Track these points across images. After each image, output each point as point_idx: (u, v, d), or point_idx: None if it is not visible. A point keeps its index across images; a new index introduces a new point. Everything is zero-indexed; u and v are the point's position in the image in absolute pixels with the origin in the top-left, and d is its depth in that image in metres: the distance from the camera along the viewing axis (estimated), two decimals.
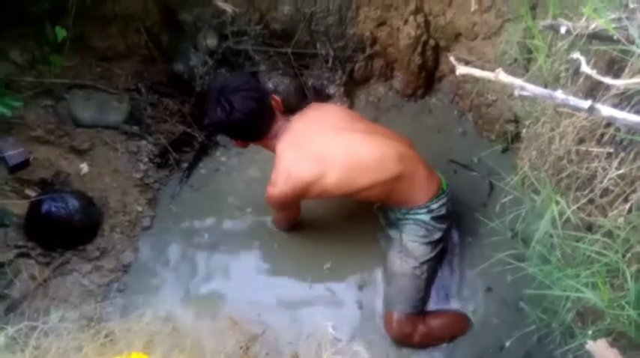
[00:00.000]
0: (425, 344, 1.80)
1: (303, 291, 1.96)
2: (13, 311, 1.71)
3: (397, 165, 1.71)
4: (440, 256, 1.88)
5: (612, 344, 1.05)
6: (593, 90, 1.25)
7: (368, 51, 2.44)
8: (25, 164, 1.96)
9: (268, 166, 2.16)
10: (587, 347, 0.98)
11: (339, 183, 1.69)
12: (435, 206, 1.78)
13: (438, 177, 1.84)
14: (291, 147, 1.72)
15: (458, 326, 1.85)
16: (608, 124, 1.19)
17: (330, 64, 2.42)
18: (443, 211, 1.80)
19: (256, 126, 1.74)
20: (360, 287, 1.95)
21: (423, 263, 1.79)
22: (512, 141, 2.03)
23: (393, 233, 1.86)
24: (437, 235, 1.81)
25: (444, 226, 1.82)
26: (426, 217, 1.78)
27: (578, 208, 1.22)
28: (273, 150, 1.79)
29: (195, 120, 2.37)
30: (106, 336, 1.28)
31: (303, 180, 1.69)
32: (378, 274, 1.96)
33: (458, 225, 1.99)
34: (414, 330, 1.78)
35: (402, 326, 1.78)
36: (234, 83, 1.71)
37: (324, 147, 1.70)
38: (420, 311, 1.81)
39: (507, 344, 1.60)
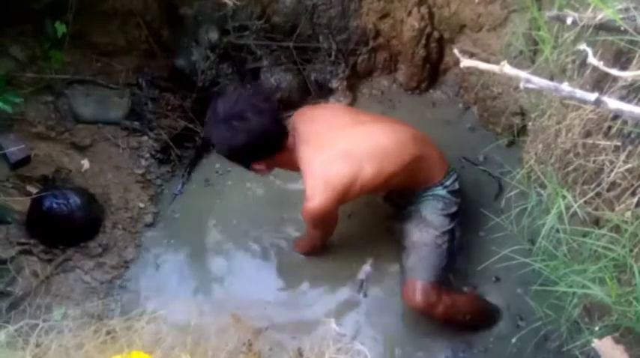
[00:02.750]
0: (448, 317, 1.74)
1: (307, 286, 1.95)
2: (15, 308, 1.71)
3: (415, 146, 1.72)
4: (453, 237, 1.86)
5: (619, 340, 1.04)
6: (601, 82, 1.23)
7: (371, 43, 2.41)
8: (26, 161, 1.96)
9: None
10: (593, 345, 0.97)
11: (374, 173, 1.63)
12: (448, 182, 1.81)
13: (444, 155, 1.87)
14: (315, 152, 1.62)
15: (481, 305, 1.83)
16: (616, 117, 1.16)
17: (332, 58, 2.40)
18: (456, 186, 1.83)
19: (281, 135, 1.62)
20: (364, 281, 1.93)
21: (443, 233, 1.78)
22: (518, 134, 2.01)
23: (411, 209, 1.83)
24: (453, 208, 1.82)
25: (458, 200, 1.84)
26: (442, 191, 1.80)
27: (585, 202, 1.20)
28: (293, 164, 1.68)
29: (197, 115, 2.36)
30: (108, 333, 1.27)
31: (342, 183, 1.59)
32: (382, 268, 1.95)
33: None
34: (438, 300, 1.71)
35: (427, 294, 1.70)
36: (246, 94, 1.60)
37: (346, 142, 1.65)
38: (442, 282, 1.77)
39: (514, 340, 1.58)
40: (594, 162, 1.20)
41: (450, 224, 1.80)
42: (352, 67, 2.44)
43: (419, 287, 1.71)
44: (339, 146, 1.63)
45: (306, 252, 1.99)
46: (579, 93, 0.91)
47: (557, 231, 1.22)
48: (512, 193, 1.40)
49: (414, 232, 1.79)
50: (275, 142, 1.63)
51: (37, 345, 1.24)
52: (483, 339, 1.81)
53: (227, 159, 1.71)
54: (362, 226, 2.03)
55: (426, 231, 1.77)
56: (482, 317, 1.83)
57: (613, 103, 0.91)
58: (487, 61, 1.11)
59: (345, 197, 1.63)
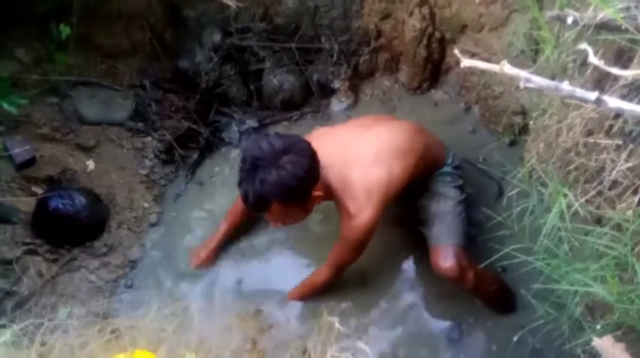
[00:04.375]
0: (478, 284, 1.71)
1: None
2: (20, 307, 1.72)
3: (420, 136, 1.77)
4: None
5: (621, 339, 1.04)
6: (602, 81, 1.23)
7: (373, 44, 2.42)
8: (31, 162, 1.97)
9: None
10: (593, 343, 0.97)
11: (402, 170, 1.64)
12: (450, 160, 1.86)
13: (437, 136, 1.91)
14: (346, 170, 1.60)
15: (504, 281, 1.83)
16: (617, 116, 1.17)
17: (334, 59, 2.41)
18: (457, 161, 1.88)
19: (318, 160, 1.57)
20: (366, 280, 1.93)
21: (458, 202, 1.81)
22: (519, 133, 2.01)
23: (426, 187, 1.84)
24: (460, 181, 1.86)
25: (461, 174, 1.88)
26: (447, 169, 1.85)
27: (587, 201, 1.20)
28: (327, 191, 1.61)
29: (200, 116, 2.37)
30: (112, 332, 1.28)
31: (382, 188, 1.60)
32: (385, 269, 1.95)
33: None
34: (469, 264, 1.69)
35: (459, 258, 1.68)
36: (268, 136, 1.53)
37: (367, 150, 1.64)
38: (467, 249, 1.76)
39: (515, 338, 1.59)
40: (596, 160, 1.20)
41: (461, 195, 1.83)
42: (354, 68, 2.45)
43: (450, 252, 1.69)
44: (364, 156, 1.63)
45: (328, 285, 1.83)
46: (579, 92, 0.91)
47: (559, 229, 1.22)
48: (513, 192, 1.41)
49: (431, 205, 1.80)
50: (318, 161, 1.57)
51: (42, 344, 1.25)
52: (484, 339, 1.81)
53: (285, 201, 1.50)
54: None
55: (443, 201, 1.79)
56: (507, 294, 1.83)
57: (613, 102, 0.91)
58: (488, 60, 1.11)
59: (386, 202, 1.63)
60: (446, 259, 1.69)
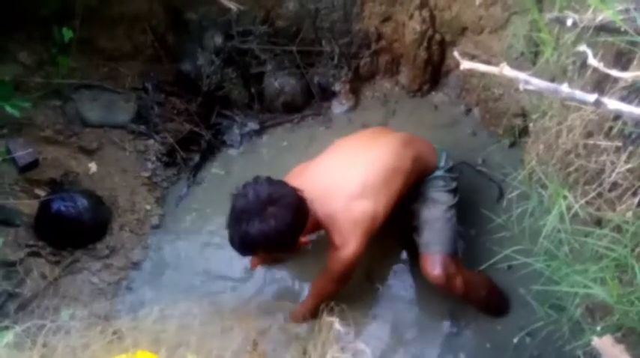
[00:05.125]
0: (466, 290, 1.73)
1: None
2: (23, 309, 1.73)
3: (408, 149, 1.76)
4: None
5: (621, 340, 1.04)
6: (601, 83, 1.23)
7: (373, 47, 2.43)
8: (34, 164, 1.98)
9: (276, 162, 2.17)
10: (593, 343, 0.97)
11: (389, 197, 1.66)
12: (442, 163, 1.85)
13: (427, 141, 1.90)
14: (333, 203, 1.61)
15: (495, 286, 1.84)
16: (617, 117, 1.17)
17: (335, 61, 2.42)
18: (450, 163, 1.88)
19: (306, 206, 1.60)
20: (366, 280, 1.94)
21: (450, 207, 1.81)
22: (519, 135, 2.02)
23: (419, 192, 1.85)
24: (453, 184, 1.86)
25: (456, 176, 1.88)
26: (440, 172, 1.85)
27: (587, 203, 1.21)
28: (316, 223, 1.65)
29: (202, 119, 2.38)
30: (114, 333, 1.29)
31: (368, 219, 1.61)
32: (384, 269, 1.96)
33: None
34: (457, 272, 1.72)
35: (446, 266, 1.70)
36: (255, 184, 1.53)
37: (353, 183, 1.64)
38: (457, 254, 1.79)
39: (515, 340, 1.59)
40: (595, 162, 1.21)
41: (453, 199, 1.83)
42: (355, 70, 2.45)
43: (437, 260, 1.71)
44: (350, 188, 1.63)
45: (312, 313, 1.75)
46: (579, 94, 0.92)
47: (559, 231, 1.22)
48: (513, 194, 1.41)
49: (422, 210, 1.81)
50: (306, 206, 1.59)
51: (45, 345, 1.26)
52: (483, 338, 1.81)
53: (271, 249, 1.58)
54: None
55: (434, 207, 1.80)
56: (498, 298, 1.84)
57: (612, 104, 0.92)
58: (488, 63, 1.12)
59: (372, 233, 1.65)
60: (433, 267, 1.71)
